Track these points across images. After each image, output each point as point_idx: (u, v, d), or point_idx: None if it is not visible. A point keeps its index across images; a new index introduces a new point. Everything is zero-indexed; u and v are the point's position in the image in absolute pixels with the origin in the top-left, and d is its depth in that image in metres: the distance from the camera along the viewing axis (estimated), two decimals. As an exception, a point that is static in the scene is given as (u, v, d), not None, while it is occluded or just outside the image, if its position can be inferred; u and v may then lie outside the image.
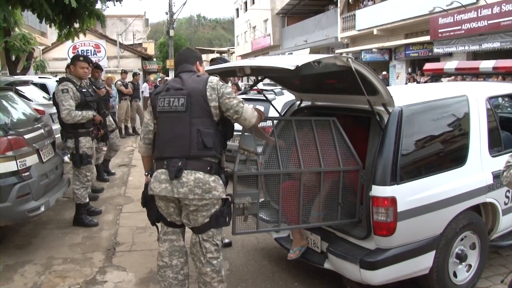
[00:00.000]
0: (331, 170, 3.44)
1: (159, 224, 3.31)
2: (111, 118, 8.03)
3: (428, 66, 6.15)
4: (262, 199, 3.78)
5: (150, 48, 36.00)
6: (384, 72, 21.02)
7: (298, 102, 4.43)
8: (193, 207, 2.99)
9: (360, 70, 3.14)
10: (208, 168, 2.98)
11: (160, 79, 25.26)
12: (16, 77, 10.31)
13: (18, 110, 5.17)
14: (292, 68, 2.81)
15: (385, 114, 3.41)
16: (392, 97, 3.35)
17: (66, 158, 6.81)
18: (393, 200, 3.15)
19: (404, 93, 4.22)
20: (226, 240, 4.75)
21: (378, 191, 3.19)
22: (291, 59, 3.02)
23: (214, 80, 3.06)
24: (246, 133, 3.24)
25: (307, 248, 3.81)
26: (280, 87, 6.43)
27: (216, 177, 3.03)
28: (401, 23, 20.28)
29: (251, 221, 3.31)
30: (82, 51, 21.46)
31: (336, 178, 3.47)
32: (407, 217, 3.20)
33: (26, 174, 4.34)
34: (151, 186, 3.07)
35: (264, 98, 4.98)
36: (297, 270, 4.19)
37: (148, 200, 3.24)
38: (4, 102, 5.01)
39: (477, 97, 3.86)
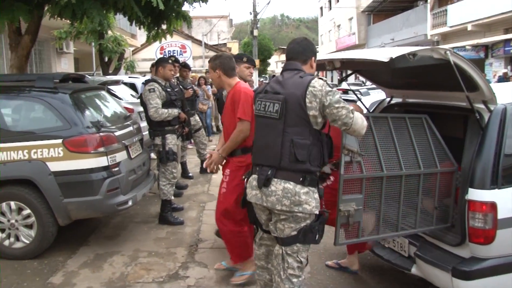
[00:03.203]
0: (429, 172, 3.23)
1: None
2: (197, 117, 8.21)
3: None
4: None
5: (234, 48, 36.69)
6: (505, 70, 19.35)
7: (388, 99, 4.23)
8: (284, 216, 2.75)
9: (459, 63, 2.91)
10: (301, 179, 2.70)
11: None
12: (108, 77, 10.95)
13: (110, 108, 5.43)
14: (386, 60, 2.66)
15: (485, 112, 3.15)
16: (494, 94, 3.08)
17: (153, 155, 7.07)
18: (492, 206, 2.90)
19: (507, 90, 3.86)
20: None
21: (476, 195, 2.95)
22: (384, 52, 2.87)
23: (317, 84, 2.69)
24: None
25: (393, 251, 3.61)
26: (366, 87, 6.20)
27: (310, 189, 2.74)
28: (499, 17, 18.82)
29: (352, 229, 3.05)
30: (169, 52, 22.34)
31: (432, 181, 3.26)
32: (509, 225, 2.92)
33: (116, 169, 4.53)
34: (246, 191, 2.98)
35: (355, 96, 4.81)
36: (381, 277, 4.00)
37: (246, 202, 3.08)
38: (97, 101, 5.29)
39: None
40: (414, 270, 3.35)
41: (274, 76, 3.01)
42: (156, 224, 5.43)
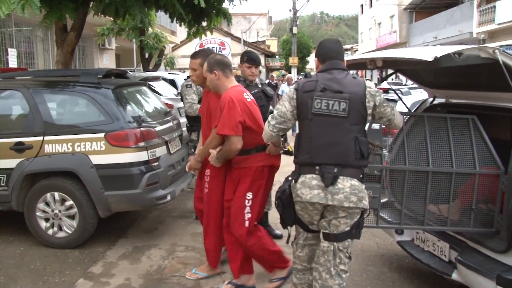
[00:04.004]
0: (464, 172, 3.16)
1: (291, 228, 3.15)
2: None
3: None
4: (385, 199, 3.69)
5: (273, 46, 36.73)
6: None
7: (431, 99, 4.13)
8: (344, 213, 2.80)
9: (508, 63, 2.80)
10: (361, 175, 2.82)
11: (282, 76, 25.55)
12: (148, 73, 11.12)
13: (150, 103, 5.52)
14: (430, 59, 2.59)
15: None
16: None
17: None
18: None
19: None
20: (278, 232, 4.84)
21: None
22: (428, 51, 2.81)
23: (371, 85, 2.86)
24: (373, 127, 3.11)
25: (433, 255, 3.53)
26: (407, 86, 6.07)
27: (364, 186, 2.86)
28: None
29: (371, 216, 3.22)
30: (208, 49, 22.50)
31: (470, 182, 3.17)
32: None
33: (156, 164, 4.61)
34: (298, 193, 2.87)
35: (397, 96, 4.73)
36: (420, 281, 3.92)
37: (285, 205, 3.04)
38: (139, 96, 5.39)
39: None
40: (455, 276, 3.25)
41: (306, 74, 3.00)
42: (193, 219, 5.47)
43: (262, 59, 26.07)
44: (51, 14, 5.83)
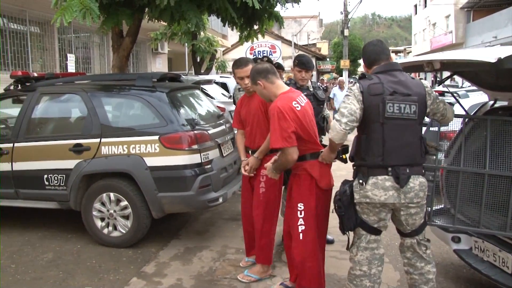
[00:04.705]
0: None
1: (350, 233, 3.13)
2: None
3: None
4: (441, 206, 3.67)
5: (324, 48, 36.43)
6: None
7: (491, 102, 3.93)
8: (414, 210, 2.95)
9: None
10: (423, 171, 2.98)
11: (333, 79, 25.26)
12: (200, 76, 11.29)
13: (203, 107, 5.58)
14: (494, 61, 2.47)
15: None
16: None
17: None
18: None
19: None
20: (329, 237, 4.67)
21: None
22: (491, 51, 2.68)
23: (427, 84, 2.99)
24: (431, 129, 3.12)
25: (493, 266, 3.35)
26: (464, 89, 5.81)
27: None
28: None
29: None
30: (259, 52, 22.63)
31: None
32: None
33: (208, 166, 4.64)
34: (368, 194, 2.90)
35: (454, 99, 4.53)
36: (480, 293, 3.74)
37: (347, 206, 3.04)
38: (192, 99, 5.46)
39: None
40: None
41: (366, 75, 2.94)
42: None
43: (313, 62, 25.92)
44: (109, 20, 6.03)
